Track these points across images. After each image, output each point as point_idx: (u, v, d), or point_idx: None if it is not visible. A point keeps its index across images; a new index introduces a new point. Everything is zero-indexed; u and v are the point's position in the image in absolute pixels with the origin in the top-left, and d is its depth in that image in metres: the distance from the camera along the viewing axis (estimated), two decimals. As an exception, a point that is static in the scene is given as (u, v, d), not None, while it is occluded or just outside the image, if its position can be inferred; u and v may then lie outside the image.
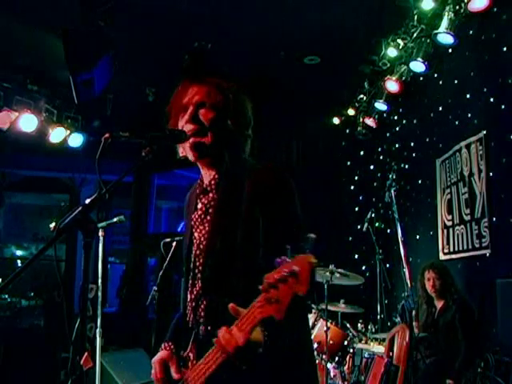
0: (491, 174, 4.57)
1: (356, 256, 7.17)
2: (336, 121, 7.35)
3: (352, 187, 7.60)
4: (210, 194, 1.81)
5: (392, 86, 5.81)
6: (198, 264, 1.78)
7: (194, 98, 1.80)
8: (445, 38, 4.73)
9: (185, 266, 1.86)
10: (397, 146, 6.80)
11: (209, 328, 1.68)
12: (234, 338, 1.41)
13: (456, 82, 5.38)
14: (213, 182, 1.81)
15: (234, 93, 1.83)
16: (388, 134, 7.04)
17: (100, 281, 4.15)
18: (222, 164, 1.81)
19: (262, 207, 1.65)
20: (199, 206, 1.84)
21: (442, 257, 5.44)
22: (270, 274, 1.31)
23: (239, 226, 1.66)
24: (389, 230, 6.35)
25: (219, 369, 1.52)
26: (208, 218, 1.79)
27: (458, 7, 4.58)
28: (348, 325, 4.99)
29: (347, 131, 7.47)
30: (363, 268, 6.78)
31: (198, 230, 1.81)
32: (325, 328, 4.41)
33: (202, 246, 1.78)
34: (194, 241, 1.82)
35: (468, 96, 5.10)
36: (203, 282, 1.75)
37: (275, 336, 1.44)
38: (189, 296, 1.80)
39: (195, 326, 1.76)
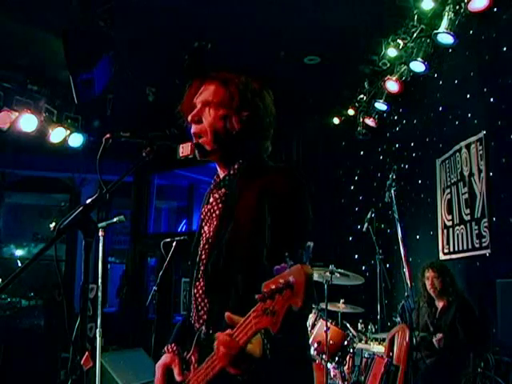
0: (491, 173, 4.57)
1: (356, 256, 7.17)
2: (336, 121, 7.34)
3: (352, 187, 7.59)
4: (223, 189, 1.81)
5: (392, 86, 5.81)
6: (202, 257, 1.77)
7: (199, 98, 1.80)
8: (445, 37, 4.73)
9: (191, 258, 1.84)
10: (397, 146, 6.79)
11: (210, 331, 1.65)
12: (229, 348, 1.38)
13: (456, 81, 5.38)
14: (227, 178, 1.81)
15: (241, 87, 1.78)
16: (388, 134, 7.03)
17: (100, 281, 4.16)
18: (232, 163, 1.80)
19: (271, 208, 1.63)
20: (211, 199, 1.83)
21: (442, 257, 5.44)
22: (268, 282, 1.27)
23: (246, 224, 1.65)
24: (389, 230, 6.35)
25: (218, 377, 1.50)
26: (217, 212, 1.78)
27: (457, 7, 4.59)
28: (348, 325, 4.99)
29: (347, 131, 7.47)
30: (363, 268, 6.77)
31: (208, 224, 1.80)
32: (325, 328, 4.40)
33: (210, 241, 1.77)
34: (204, 234, 1.81)
35: (468, 96, 5.09)
36: (206, 280, 1.73)
37: (273, 348, 1.38)
38: (194, 291, 1.78)
39: (198, 326, 1.74)
